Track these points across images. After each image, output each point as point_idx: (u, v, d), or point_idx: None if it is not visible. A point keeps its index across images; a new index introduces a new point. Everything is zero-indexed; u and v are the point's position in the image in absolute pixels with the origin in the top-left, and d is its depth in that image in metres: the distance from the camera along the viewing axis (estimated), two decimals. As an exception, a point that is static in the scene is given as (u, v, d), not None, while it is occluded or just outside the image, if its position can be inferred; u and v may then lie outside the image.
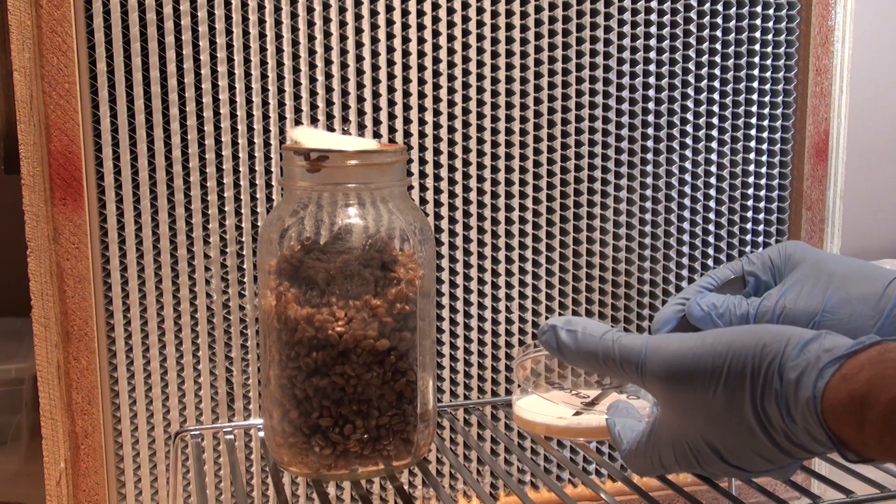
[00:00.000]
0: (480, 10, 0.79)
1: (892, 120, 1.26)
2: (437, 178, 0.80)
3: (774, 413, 0.44)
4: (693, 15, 0.84)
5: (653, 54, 0.83)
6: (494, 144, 0.81)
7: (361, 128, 0.78)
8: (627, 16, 0.82)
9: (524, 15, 0.80)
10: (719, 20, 0.84)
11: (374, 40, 0.77)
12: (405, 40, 0.78)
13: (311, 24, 0.76)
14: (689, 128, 0.85)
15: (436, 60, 0.79)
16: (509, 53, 0.80)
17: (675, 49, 0.84)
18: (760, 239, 0.90)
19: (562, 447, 0.86)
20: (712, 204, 0.87)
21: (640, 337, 0.52)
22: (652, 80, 0.84)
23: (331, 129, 0.78)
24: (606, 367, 0.53)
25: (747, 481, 0.58)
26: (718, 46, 0.85)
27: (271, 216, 0.58)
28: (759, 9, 0.85)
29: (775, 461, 0.46)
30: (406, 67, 0.78)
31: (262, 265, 0.58)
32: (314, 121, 0.77)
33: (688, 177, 0.86)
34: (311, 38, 0.76)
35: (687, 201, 0.86)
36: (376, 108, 0.78)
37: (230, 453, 0.66)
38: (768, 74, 0.87)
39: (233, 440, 0.69)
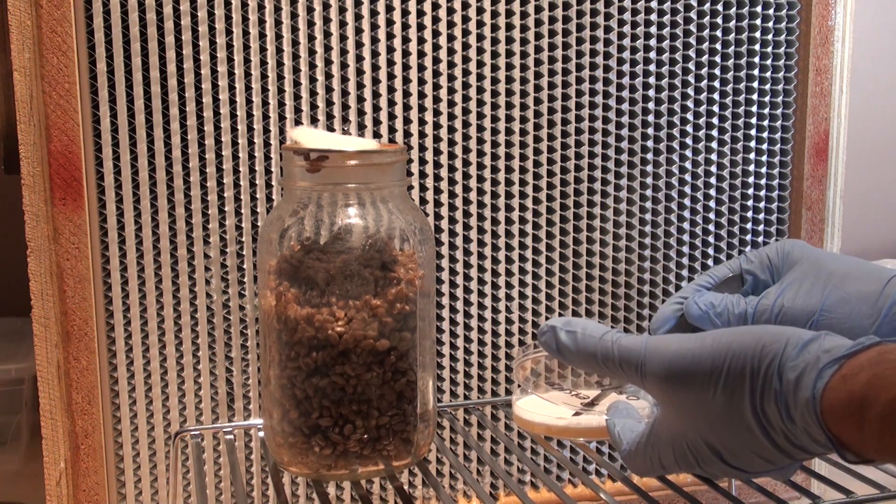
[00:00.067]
0: (480, 10, 0.79)
1: (892, 120, 1.26)
2: (437, 178, 0.80)
3: (774, 414, 0.44)
4: (693, 15, 0.84)
5: (653, 54, 0.83)
6: (494, 144, 0.81)
7: (361, 128, 0.78)
8: (627, 16, 0.82)
9: (524, 15, 0.80)
10: (719, 20, 0.84)
11: (374, 40, 0.77)
12: (405, 40, 0.78)
13: (311, 24, 0.76)
14: (689, 128, 0.85)
15: (436, 60, 0.79)
16: (509, 53, 0.80)
17: (675, 49, 0.84)
18: (760, 239, 0.90)
19: (562, 447, 0.86)
20: (712, 204, 0.87)
21: (639, 338, 0.52)
22: (652, 80, 0.84)
23: (331, 129, 0.78)
24: (606, 367, 0.53)
25: (747, 481, 0.58)
26: (718, 46, 0.85)
27: (271, 216, 0.58)
28: (759, 9, 0.85)
29: (775, 462, 0.46)
30: (406, 67, 0.78)
31: (262, 265, 0.58)
32: (314, 121, 0.77)
33: (688, 177, 0.86)
34: (311, 38, 0.76)
35: (687, 201, 0.86)
36: (376, 108, 0.78)
37: (230, 453, 0.66)
38: (768, 74, 0.87)
39: (233, 440, 0.69)
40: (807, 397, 0.43)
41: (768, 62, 0.86)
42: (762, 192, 0.89)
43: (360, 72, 0.77)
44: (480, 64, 0.80)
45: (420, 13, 0.78)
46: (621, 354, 0.51)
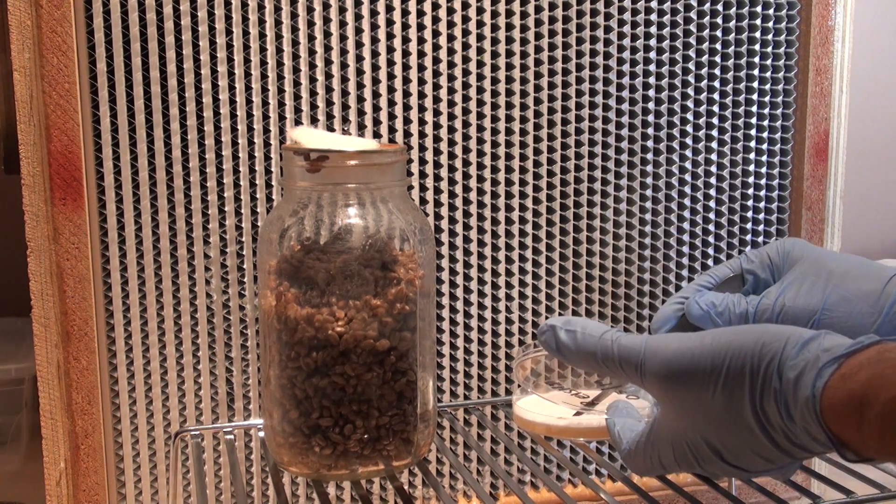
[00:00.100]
0: (480, 10, 0.79)
1: (892, 120, 1.26)
2: (437, 178, 0.80)
3: (773, 412, 0.44)
4: (693, 15, 0.84)
5: (653, 54, 0.83)
6: (494, 144, 0.81)
7: (361, 128, 0.78)
8: (627, 16, 0.82)
9: (524, 15, 0.80)
10: (719, 20, 0.84)
11: (374, 40, 0.77)
12: (405, 40, 0.78)
13: (311, 24, 0.76)
14: (689, 128, 0.85)
15: (436, 60, 0.79)
16: (509, 53, 0.80)
17: (675, 49, 0.84)
18: (760, 239, 0.90)
19: (562, 447, 0.86)
20: (712, 204, 0.87)
21: (639, 337, 0.52)
22: (652, 80, 0.84)
23: (331, 129, 0.78)
24: (605, 367, 0.53)
25: (747, 481, 0.58)
26: (718, 46, 0.85)
27: (271, 216, 0.58)
28: (759, 9, 0.85)
29: (775, 461, 0.46)
30: (406, 67, 0.78)
31: (262, 265, 0.58)
32: (314, 121, 0.77)
33: (688, 177, 0.86)
34: (311, 38, 0.76)
35: (687, 201, 0.86)
36: (376, 108, 0.78)
37: (230, 453, 0.66)
38: (768, 74, 0.87)
39: (233, 440, 0.69)
40: (806, 396, 0.43)
41: (768, 62, 0.86)
42: (762, 192, 0.89)
43: (360, 72, 0.77)
44: (480, 64, 0.80)
45: (420, 13, 0.78)
46: (621, 354, 0.51)
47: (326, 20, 0.76)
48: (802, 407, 0.43)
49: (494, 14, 0.79)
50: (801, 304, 0.57)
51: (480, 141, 0.81)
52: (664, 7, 0.83)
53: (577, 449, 0.87)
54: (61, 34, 0.70)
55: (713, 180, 0.87)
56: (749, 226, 0.89)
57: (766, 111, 0.87)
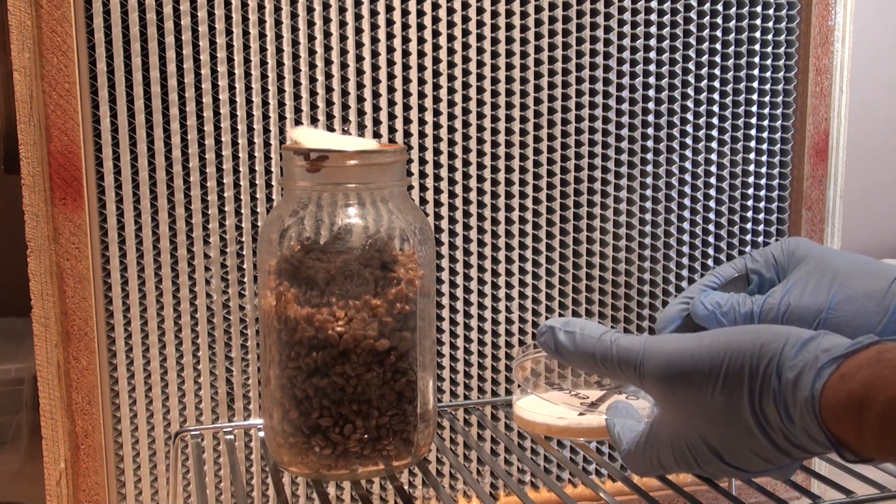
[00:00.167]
0: (480, 10, 0.79)
1: (892, 120, 1.26)
2: (437, 178, 0.80)
3: (773, 413, 0.44)
4: (693, 15, 0.84)
5: (653, 54, 0.83)
6: (494, 144, 0.81)
7: (361, 128, 0.78)
8: (627, 16, 0.82)
9: (524, 15, 0.80)
10: (719, 20, 0.84)
11: (374, 40, 0.77)
12: (405, 40, 0.78)
13: (311, 24, 0.76)
14: (689, 128, 0.85)
15: (436, 60, 0.79)
16: (509, 53, 0.80)
17: (675, 49, 0.84)
18: (760, 239, 0.90)
19: (562, 447, 0.86)
20: (712, 204, 0.87)
21: (638, 338, 0.52)
22: (652, 80, 0.84)
23: (331, 129, 0.78)
24: (605, 367, 0.53)
25: (747, 481, 0.58)
26: (718, 46, 0.85)
27: (271, 216, 0.58)
28: (759, 9, 0.85)
29: (774, 461, 0.46)
30: (406, 67, 0.78)
31: (262, 265, 0.58)
32: (314, 121, 0.77)
33: (688, 177, 0.86)
34: (311, 38, 0.76)
35: (687, 201, 0.86)
36: (376, 108, 0.78)
37: (230, 453, 0.66)
38: (768, 74, 0.87)
39: (233, 440, 0.69)
40: (805, 396, 0.43)
41: (768, 62, 0.86)
42: (762, 192, 0.89)
43: (360, 72, 0.77)
44: (480, 64, 0.80)
45: (420, 13, 0.78)
46: (620, 354, 0.51)
47: (326, 20, 0.76)
48: (801, 407, 0.43)
49: (494, 14, 0.79)
50: (806, 303, 0.57)
51: (480, 141, 0.81)
52: (664, 7, 0.83)
53: (577, 449, 0.87)
54: (61, 34, 0.71)
55: (713, 180, 0.87)
56: (749, 226, 0.89)
57: (766, 111, 0.87)
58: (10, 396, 0.99)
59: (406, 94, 0.78)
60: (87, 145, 0.73)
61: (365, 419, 0.55)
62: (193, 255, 0.77)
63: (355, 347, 0.55)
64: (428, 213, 0.80)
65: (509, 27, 0.80)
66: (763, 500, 0.63)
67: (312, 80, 0.77)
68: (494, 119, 0.81)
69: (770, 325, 0.51)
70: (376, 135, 0.78)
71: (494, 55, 0.80)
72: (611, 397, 0.65)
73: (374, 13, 0.77)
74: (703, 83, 0.85)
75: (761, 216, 0.89)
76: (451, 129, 0.80)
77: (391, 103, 0.78)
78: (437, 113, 0.79)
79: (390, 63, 0.78)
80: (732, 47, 0.85)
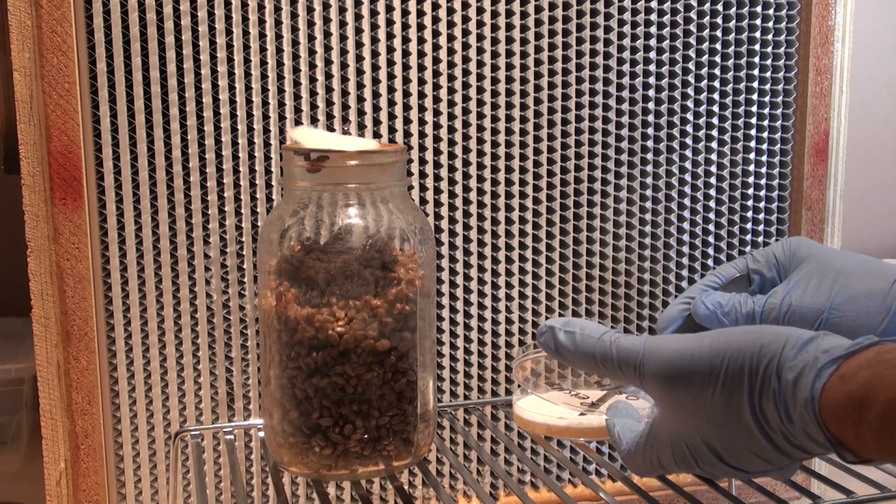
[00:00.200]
0: (480, 10, 0.79)
1: (892, 120, 1.26)
2: (437, 178, 0.80)
3: (772, 414, 0.44)
4: (693, 15, 0.84)
5: (653, 54, 0.83)
6: (494, 144, 0.81)
7: (361, 128, 0.78)
8: (627, 16, 0.82)
9: (524, 15, 0.80)
10: (719, 20, 0.84)
11: (374, 40, 0.77)
12: (405, 40, 0.78)
13: (311, 24, 0.76)
14: (689, 128, 0.85)
15: (436, 60, 0.79)
16: (509, 53, 0.80)
17: (675, 49, 0.84)
18: (761, 239, 0.90)
19: (562, 447, 0.86)
20: (712, 204, 0.87)
21: (638, 338, 0.52)
22: (652, 80, 0.84)
23: (331, 129, 0.78)
24: (605, 368, 0.52)
25: (747, 481, 0.58)
26: (718, 46, 0.85)
27: (271, 216, 0.58)
28: (759, 9, 0.85)
29: (774, 462, 0.46)
30: (406, 67, 0.78)
31: (262, 265, 0.58)
32: (314, 121, 0.77)
33: (688, 177, 0.86)
34: (311, 38, 0.76)
35: (687, 201, 0.86)
36: (376, 108, 0.78)
37: (230, 453, 0.66)
38: (768, 74, 0.87)
39: (233, 440, 0.69)
40: (805, 397, 0.43)
41: (768, 62, 0.86)
42: (762, 192, 0.89)
43: (360, 72, 0.77)
44: (480, 64, 0.80)
45: (420, 13, 0.78)
46: (620, 355, 0.51)
47: (326, 20, 0.76)
48: (801, 408, 0.43)
49: (494, 14, 0.79)
50: (807, 303, 0.57)
51: (480, 141, 0.81)
52: (664, 7, 0.83)
53: (577, 449, 0.87)
54: (61, 34, 0.70)
55: (713, 180, 0.87)
56: (749, 226, 0.89)
57: (766, 111, 0.87)
58: (10, 396, 0.99)
59: (406, 94, 0.78)
60: (87, 145, 0.73)
61: (365, 419, 0.55)
62: (193, 255, 0.77)
63: (355, 348, 0.55)
64: (428, 213, 0.80)
65: (509, 27, 0.80)
66: (763, 500, 0.63)
67: (312, 80, 0.77)
68: (494, 119, 0.81)
69: (770, 325, 0.51)
70: (376, 135, 0.78)
71: (494, 55, 0.80)
72: (611, 397, 0.65)
73: (374, 13, 0.77)
74: (703, 83, 0.85)
75: (761, 216, 0.89)
76: (451, 129, 0.80)
77: (391, 103, 0.78)
78: (437, 113, 0.79)
79: (390, 63, 0.78)
80: (732, 47, 0.85)
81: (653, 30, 0.83)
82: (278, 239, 0.57)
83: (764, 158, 0.89)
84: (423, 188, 0.80)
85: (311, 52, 0.76)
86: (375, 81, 0.78)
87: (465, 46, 0.79)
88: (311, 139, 0.57)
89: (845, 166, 0.90)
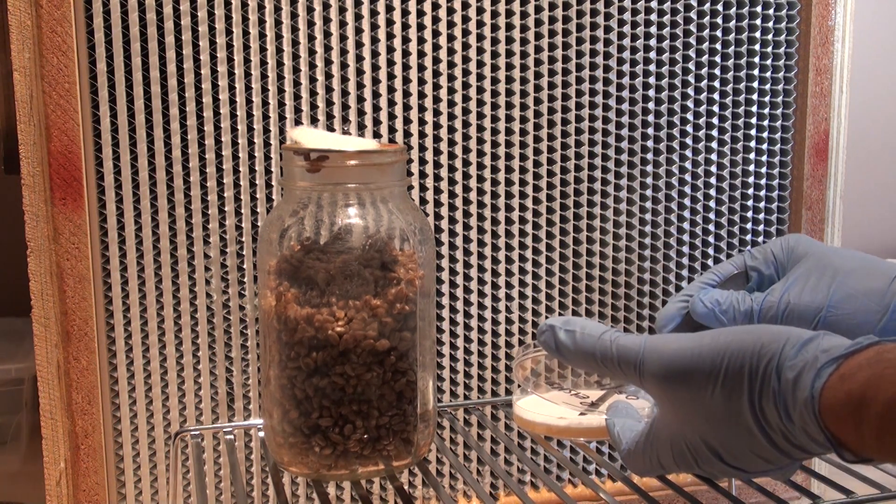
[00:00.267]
0: (480, 10, 0.79)
1: (892, 120, 1.26)
2: (437, 178, 0.80)
3: (772, 413, 0.44)
4: (693, 15, 0.84)
5: (653, 54, 0.83)
6: (494, 144, 0.81)
7: (361, 128, 0.78)
8: (627, 16, 0.82)
9: (524, 15, 0.80)
10: (719, 20, 0.84)
11: (374, 40, 0.77)
12: (405, 40, 0.78)
13: (311, 24, 0.76)
14: (689, 128, 0.85)
15: (436, 60, 0.79)
16: (509, 53, 0.80)
17: (675, 49, 0.84)
18: (761, 239, 0.90)
19: (562, 447, 0.86)
20: (712, 204, 0.87)
21: (638, 337, 0.51)
22: (652, 80, 0.84)
23: (331, 129, 0.78)
24: (605, 367, 0.52)
25: (747, 481, 0.58)
26: (718, 46, 0.85)
27: (271, 216, 0.58)
28: (759, 9, 0.85)
29: (774, 461, 0.46)
30: (406, 67, 0.78)
31: (262, 265, 0.58)
32: (314, 121, 0.77)
33: (688, 177, 0.86)
34: (311, 38, 0.76)
35: (687, 201, 0.86)
36: (376, 108, 0.78)
37: (230, 453, 0.66)
38: (768, 74, 0.87)
39: (233, 440, 0.69)
40: (805, 397, 0.42)
41: (768, 62, 0.86)
42: (762, 192, 0.89)
43: (360, 72, 0.77)
44: (480, 64, 0.80)
45: (420, 13, 0.78)
46: (620, 354, 0.51)
47: (326, 20, 0.76)
48: (801, 407, 0.43)
49: (494, 14, 0.79)
50: (806, 301, 0.57)
51: (480, 141, 0.81)
52: (664, 7, 0.83)
53: (577, 449, 0.87)
54: (61, 34, 0.71)
55: (713, 180, 0.87)
56: (749, 226, 0.89)
57: (766, 111, 0.87)
58: (10, 396, 0.99)
59: (406, 94, 0.78)
60: (87, 145, 0.73)
61: (365, 419, 0.55)
62: (193, 255, 0.77)
63: (355, 347, 0.55)
64: (428, 213, 0.80)
65: (509, 27, 0.80)
66: (763, 500, 0.63)
67: (312, 80, 0.77)
68: (494, 119, 0.81)
69: (770, 325, 0.51)
70: (376, 135, 0.78)
71: (494, 55, 0.80)
72: (611, 397, 0.65)
73: (374, 13, 0.77)
74: (703, 83, 0.85)
75: (761, 216, 0.89)
76: (451, 129, 0.80)
77: (391, 103, 0.78)
78: (437, 113, 0.79)
79: (390, 63, 0.78)
80: (732, 47, 0.85)
81: (653, 30, 0.83)
82: (278, 239, 0.57)
83: (764, 158, 0.89)
84: (423, 188, 0.80)
85: (311, 52, 0.76)
86: (375, 81, 0.78)
87: (465, 46, 0.79)
88: (311, 139, 0.57)
89: (845, 166, 0.90)
